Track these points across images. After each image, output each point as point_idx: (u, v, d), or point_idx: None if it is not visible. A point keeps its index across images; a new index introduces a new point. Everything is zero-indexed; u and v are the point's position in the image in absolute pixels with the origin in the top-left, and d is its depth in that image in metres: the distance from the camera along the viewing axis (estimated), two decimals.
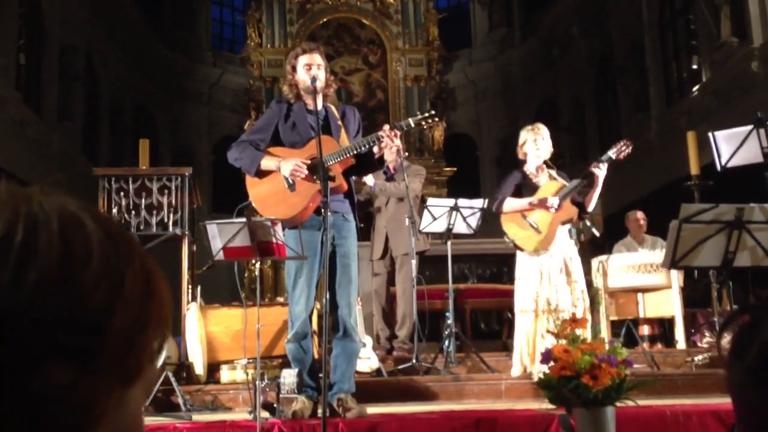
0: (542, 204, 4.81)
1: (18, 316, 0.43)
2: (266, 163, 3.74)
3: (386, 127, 3.65)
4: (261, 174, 3.76)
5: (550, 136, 5.13)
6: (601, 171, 4.80)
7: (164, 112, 17.10)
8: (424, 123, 3.79)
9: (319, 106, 3.88)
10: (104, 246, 0.47)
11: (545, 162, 5.06)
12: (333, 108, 3.97)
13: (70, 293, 0.45)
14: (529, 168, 5.04)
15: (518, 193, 4.96)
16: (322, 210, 3.63)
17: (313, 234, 3.73)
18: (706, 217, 3.13)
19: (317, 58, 3.87)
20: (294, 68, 3.90)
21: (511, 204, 4.93)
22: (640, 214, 7.50)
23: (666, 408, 3.49)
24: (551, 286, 4.76)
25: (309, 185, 3.65)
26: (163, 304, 0.51)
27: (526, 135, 5.06)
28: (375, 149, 3.74)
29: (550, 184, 4.92)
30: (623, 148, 4.89)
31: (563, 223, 4.87)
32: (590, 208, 4.98)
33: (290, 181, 3.67)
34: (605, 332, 6.00)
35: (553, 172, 5.02)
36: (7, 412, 0.43)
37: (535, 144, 4.99)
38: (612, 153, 4.88)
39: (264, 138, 3.87)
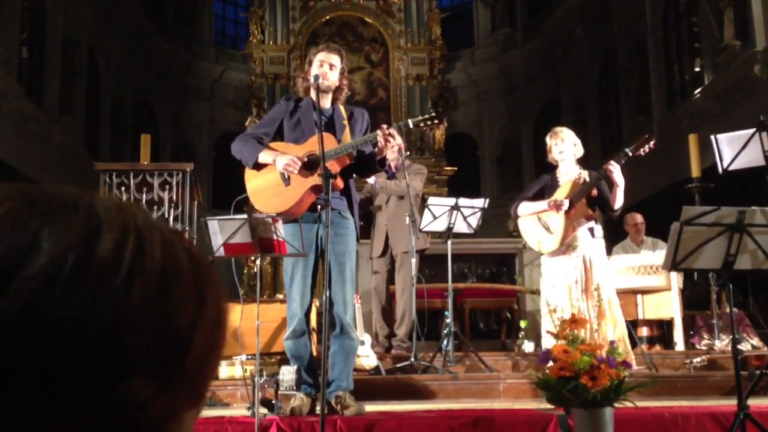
0: (554, 205, 4.81)
1: (122, 324, 0.44)
2: (264, 156, 3.76)
3: (384, 126, 3.65)
4: (259, 167, 3.78)
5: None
6: (614, 168, 4.72)
7: (165, 107, 17.11)
8: (423, 124, 3.78)
9: (326, 105, 3.88)
10: (191, 267, 0.49)
11: (578, 163, 5.02)
12: (342, 108, 3.97)
13: (166, 307, 0.46)
14: (561, 171, 5.01)
15: (542, 195, 4.97)
16: (318, 207, 3.64)
17: (309, 231, 3.74)
18: (708, 220, 3.12)
19: (332, 58, 3.88)
20: (310, 63, 3.92)
21: (525, 207, 4.96)
22: (638, 218, 7.44)
23: (664, 410, 3.49)
24: (563, 289, 4.74)
25: (303, 180, 3.67)
26: (227, 331, 0.53)
27: (549, 141, 5.05)
28: (375, 149, 3.74)
29: (565, 185, 4.90)
30: (644, 142, 4.71)
31: (582, 223, 4.82)
32: (616, 205, 4.85)
33: (285, 176, 3.69)
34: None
35: (585, 174, 4.97)
36: (83, 415, 0.43)
37: (557, 147, 4.98)
38: (629, 150, 4.72)
39: (268, 132, 3.89)
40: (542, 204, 4.88)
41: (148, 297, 0.45)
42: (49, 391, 0.42)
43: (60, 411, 0.43)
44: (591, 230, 4.88)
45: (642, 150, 4.72)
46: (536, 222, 4.88)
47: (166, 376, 0.46)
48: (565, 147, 4.97)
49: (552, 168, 5.10)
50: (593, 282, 4.75)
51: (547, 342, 4.67)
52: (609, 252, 7.08)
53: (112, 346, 0.43)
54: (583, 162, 5.13)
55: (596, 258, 4.83)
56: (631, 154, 4.71)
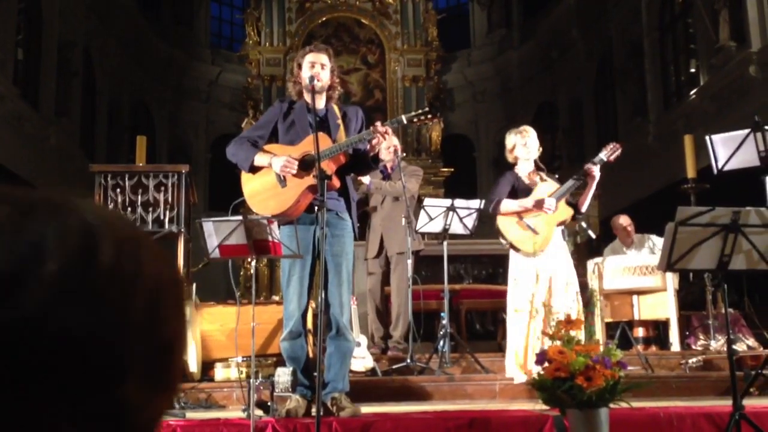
0: (539, 205, 4.81)
1: (121, 333, 0.46)
2: (259, 159, 3.76)
3: (377, 123, 3.65)
4: (255, 170, 3.78)
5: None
6: (596, 171, 4.80)
7: (162, 108, 17.09)
8: (417, 120, 3.79)
9: (320, 106, 3.88)
10: (173, 279, 0.52)
11: (535, 163, 5.06)
12: (335, 108, 3.97)
13: (158, 317, 0.49)
14: (521, 170, 5.04)
15: (512, 194, 4.96)
16: (316, 208, 3.64)
17: (306, 232, 3.74)
18: (702, 220, 3.13)
19: (322, 58, 3.88)
20: (300, 66, 3.92)
21: (507, 206, 4.92)
22: (625, 221, 7.39)
23: (660, 410, 3.50)
24: (546, 288, 4.75)
25: (299, 181, 3.67)
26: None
27: (514, 139, 5.08)
28: (368, 147, 3.75)
29: (545, 186, 4.91)
30: (614, 150, 4.88)
31: (558, 225, 4.87)
32: (584, 208, 4.97)
33: (281, 177, 3.69)
34: (600, 334, 6.00)
35: (543, 174, 5.02)
36: (81, 418, 0.45)
37: (525, 147, 5.00)
38: (603, 155, 4.86)
39: (263, 135, 3.89)
40: (524, 203, 4.88)
41: (143, 308, 0.47)
42: (51, 395, 0.43)
43: (60, 413, 0.44)
44: (562, 233, 4.93)
45: (614, 156, 4.88)
46: (518, 222, 4.89)
47: (157, 380, 0.48)
48: (533, 145, 5.01)
49: (510, 167, 5.12)
50: (566, 283, 4.80)
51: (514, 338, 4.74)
52: (600, 253, 7.10)
53: (111, 353, 0.45)
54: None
55: (567, 260, 4.88)
56: (605, 159, 4.84)
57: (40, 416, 0.43)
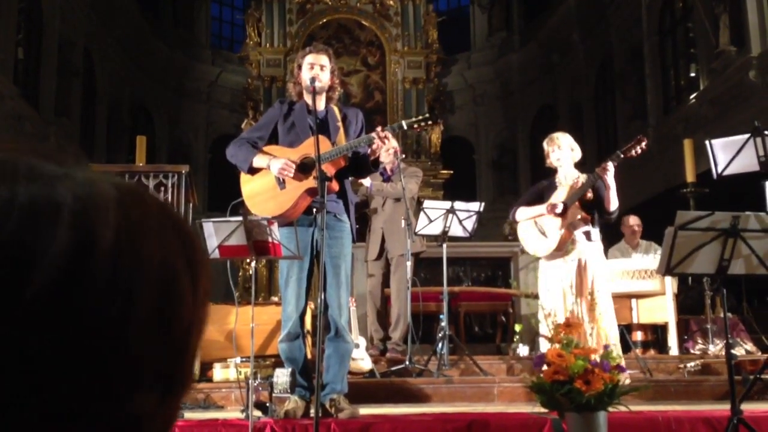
0: (549, 209, 4.83)
1: (130, 331, 0.40)
2: (258, 161, 3.77)
3: (378, 128, 3.66)
4: (254, 171, 3.79)
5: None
6: (608, 170, 4.75)
7: (162, 109, 17.09)
8: (417, 126, 3.80)
9: (321, 107, 3.88)
10: (184, 250, 0.44)
11: (577, 167, 5.04)
12: (336, 110, 3.98)
13: (169, 311, 0.42)
14: (559, 176, 5.04)
15: (541, 200, 4.98)
16: (314, 210, 3.64)
17: (304, 233, 3.75)
18: (702, 225, 3.13)
19: (322, 59, 3.89)
20: (300, 67, 3.93)
21: (523, 213, 4.98)
22: (634, 220, 7.44)
23: (658, 414, 3.50)
24: (558, 293, 4.75)
25: (298, 183, 3.67)
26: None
27: (546, 147, 5.07)
28: (368, 151, 3.75)
29: (561, 189, 4.92)
30: (635, 144, 4.75)
31: (573, 229, 4.83)
32: (611, 208, 4.86)
33: (280, 179, 3.70)
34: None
35: (582, 178, 4.98)
36: (95, 430, 0.40)
37: (555, 155, 4.99)
38: (620, 151, 4.77)
39: (262, 136, 3.89)
40: (539, 208, 4.90)
41: (152, 302, 0.41)
42: (62, 402, 0.38)
43: (71, 425, 0.39)
44: (587, 234, 4.88)
45: (634, 151, 4.76)
46: (533, 226, 4.90)
47: (171, 383, 0.43)
48: (562, 154, 4.99)
49: (552, 173, 5.12)
50: (587, 286, 4.76)
51: (543, 346, 4.68)
52: (605, 254, 7.09)
53: (122, 355, 0.40)
54: (579, 166, 5.14)
55: (591, 262, 4.84)
56: (622, 155, 4.76)
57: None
